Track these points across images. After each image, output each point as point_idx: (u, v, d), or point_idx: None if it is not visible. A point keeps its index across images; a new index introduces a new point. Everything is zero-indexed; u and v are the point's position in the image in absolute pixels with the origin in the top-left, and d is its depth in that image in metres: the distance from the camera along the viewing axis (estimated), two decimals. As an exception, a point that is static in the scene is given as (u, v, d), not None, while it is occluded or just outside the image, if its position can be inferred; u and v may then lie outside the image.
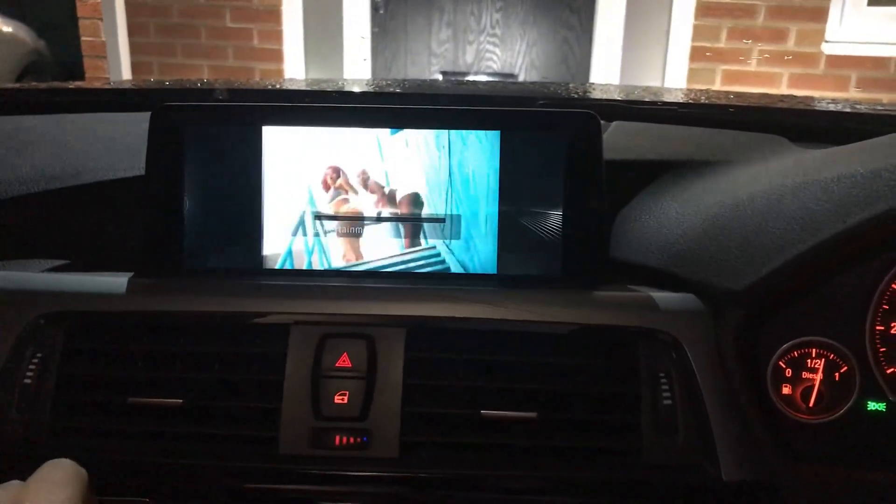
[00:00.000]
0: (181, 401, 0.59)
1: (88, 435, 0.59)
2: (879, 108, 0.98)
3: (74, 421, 0.60)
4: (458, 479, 0.58)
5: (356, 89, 1.01)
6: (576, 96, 1.05)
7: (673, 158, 0.75)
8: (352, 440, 0.58)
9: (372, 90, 0.99)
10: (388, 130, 0.65)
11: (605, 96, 1.11)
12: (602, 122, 0.87)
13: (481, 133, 0.65)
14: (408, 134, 0.65)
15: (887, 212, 0.50)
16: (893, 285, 0.57)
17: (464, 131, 0.65)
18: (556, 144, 0.66)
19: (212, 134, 0.66)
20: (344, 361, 0.59)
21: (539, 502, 0.59)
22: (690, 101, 0.97)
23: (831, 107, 1.00)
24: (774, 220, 0.56)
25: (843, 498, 0.57)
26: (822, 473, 0.57)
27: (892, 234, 0.53)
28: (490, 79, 3.61)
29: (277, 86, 1.09)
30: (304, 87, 1.01)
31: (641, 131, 0.84)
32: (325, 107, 0.67)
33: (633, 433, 0.59)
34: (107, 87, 0.97)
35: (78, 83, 0.99)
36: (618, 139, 0.81)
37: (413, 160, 0.65)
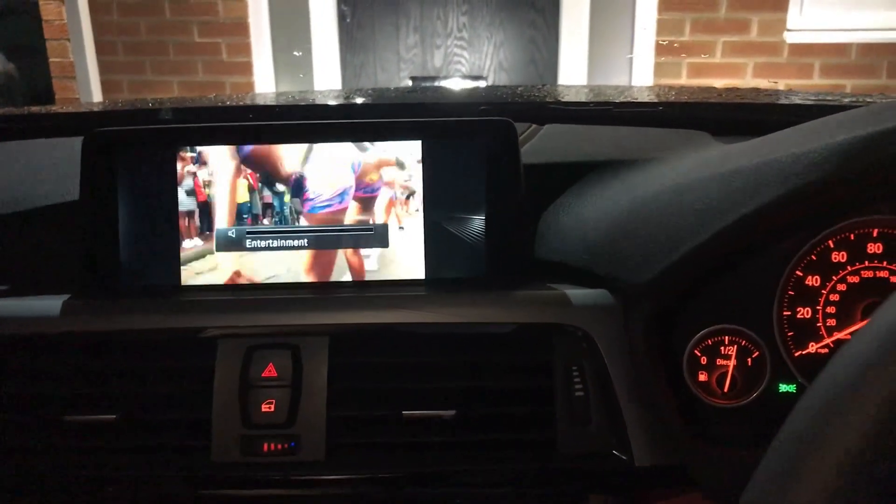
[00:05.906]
0: (115, 416, 0.60)
1: (24, 454, 0.61)
2: (811, 97, 1.00)
3: (10, 440, 0.61)
4: (383, 478, 0.60)
5: (297, 102, 1.03)
6: (519, 101, 1.07)
7: (599, 158, 0.76)
8: (280, 446, 0.60)
9: (306, 104, 1.01)
10: (314, 144, 0.67)
11: (549, 99, 1.13)
12: (534, 125, 0.89)
13: (405, 142, 0.67)
14: (333, 146, 0.67)
15: (766, 205, 0.52)
16: (797, 272, 0.59)
17: (388, 142, 0.67)
18: (475, 151, 0.68)
19: (140, 156, 0.67)
20: (270, 371, 0.61)
21: (461, 495, 0.61)
22: (622, 101, 0.99)
23: (763, 99, 1.02)
24: (676, 215, 0.58)
25: None
26: (736, 455, 0.58)
27: (777, 225, 0.55)
28: (458, 81, 3.62)
29: (228, 103, 1.11)
30: (244, 103, 1.02)
31: (572, 133, 0.86)
32: (242, 125, 0.69)
33: (547, 425, 0.61)
34: (36, 112, 0.98)
35: (9, 109, 1.00)
36: (549, 142, 0.83)
37: (339, 171, 0.67)
